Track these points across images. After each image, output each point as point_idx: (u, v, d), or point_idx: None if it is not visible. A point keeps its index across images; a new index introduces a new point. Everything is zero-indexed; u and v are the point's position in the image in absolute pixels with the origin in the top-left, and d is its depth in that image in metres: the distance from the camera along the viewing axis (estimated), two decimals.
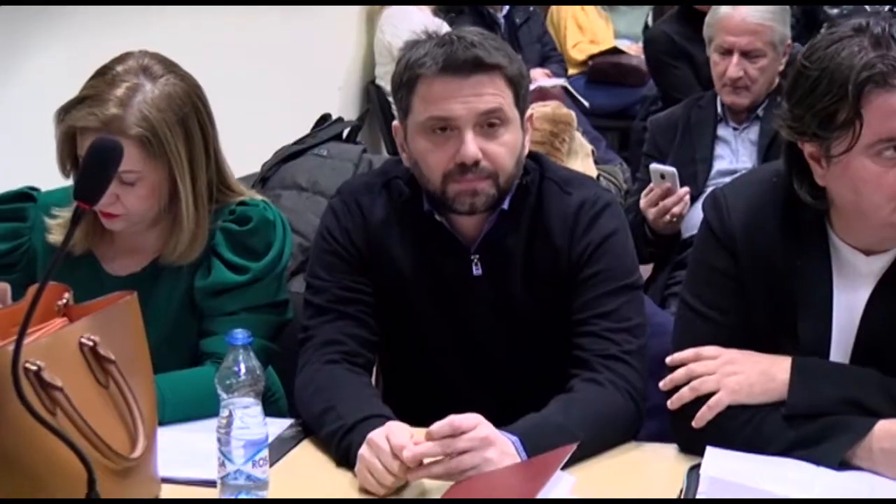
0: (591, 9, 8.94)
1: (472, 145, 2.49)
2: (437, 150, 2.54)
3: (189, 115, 2.60)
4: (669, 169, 4.02)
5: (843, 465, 2.30)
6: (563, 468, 2.18)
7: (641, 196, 4.15)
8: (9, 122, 4.40)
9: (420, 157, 2.58)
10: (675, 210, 4.00)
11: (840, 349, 2.47)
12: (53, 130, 2.70)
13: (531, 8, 8.60)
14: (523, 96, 2.62)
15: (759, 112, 4.15)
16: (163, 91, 2.57)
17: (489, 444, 2.26)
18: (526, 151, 2.64)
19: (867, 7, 8.88)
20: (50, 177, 2.76)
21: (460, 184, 2.53)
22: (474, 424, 2.27)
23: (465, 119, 2.50)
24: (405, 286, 2.63)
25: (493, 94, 2.53)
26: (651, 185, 4.06)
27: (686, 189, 4.03)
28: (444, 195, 2.55)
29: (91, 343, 2.04)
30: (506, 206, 2.59)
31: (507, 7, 8.15)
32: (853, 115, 2.30)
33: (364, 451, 2.28)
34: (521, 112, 2.61)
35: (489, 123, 2.52)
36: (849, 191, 2.38)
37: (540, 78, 7.26)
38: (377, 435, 2.28)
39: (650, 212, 4.02)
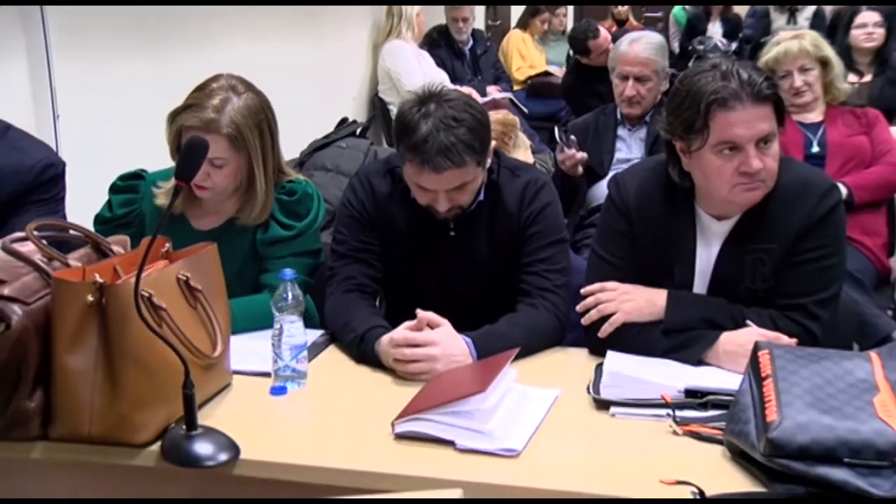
0: (530, 42, 8.86)
1: (443, 203, 2.51)
2: (421, 195, 2.55)
3: (262, 121, 2.63)
4: (573, 138, 4.08)
5: (700, 362, 2.35)
6: (525, 375, 2.21)
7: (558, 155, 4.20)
8: (127, 118, 4.39)
9: (411, 187, 2.58)
10: (578, 157, 4.09)
11: (700, 285, 2.52)
12: (151, 127, 2.74)
13: (488, 43, 8.56)
14: (487, 148, 2.57)
15: (647, 119, 4.17)
16: (245, 103, 2.59)
17: (449, 340, 2.34)
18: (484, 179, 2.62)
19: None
20: (153, 160, 2.79)
21: (438, 214, 2.56)
22: (440, 323, 2.36)
23: (441, 191, 2.51)
24: (401, 242, 2.64)
25: (461, 176, 2.49)
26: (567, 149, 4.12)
27: (583, 154, 4.11)
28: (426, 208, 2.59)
29: (184, 278, 2.10)
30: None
31: (471, 41, 8.11)
32: (703, 125, 2.36)
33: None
34: (485, 155, 2.56)
35: (458, 188, 2.53)
36: (702, 176, 2.44)
37: (493, 92, 7.26)
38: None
39: (566, 164, 4.09)
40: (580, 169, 4.14)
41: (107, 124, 4.47)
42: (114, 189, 2.78)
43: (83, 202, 2.94)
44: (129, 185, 2.76)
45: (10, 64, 4.12)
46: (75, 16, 4.39)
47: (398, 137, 2.58)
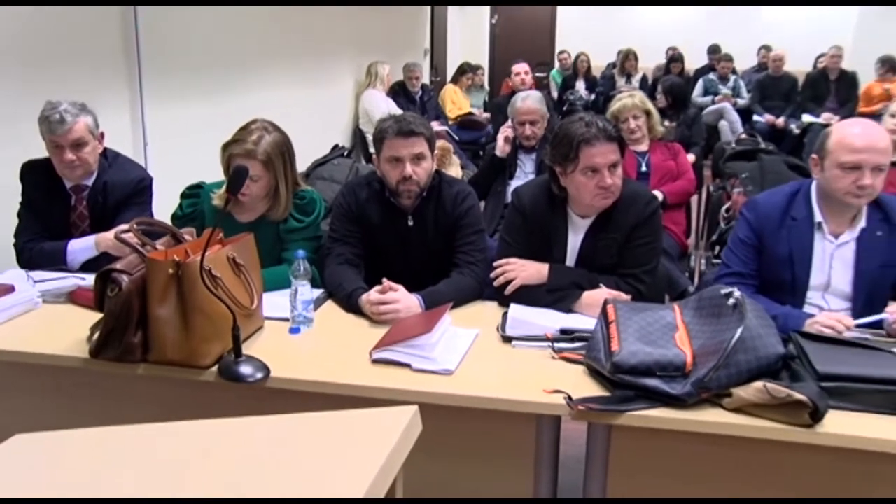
0: (459, 92, 8.77)
1: (408, 168, 2.51)
2: (393, 171, 2.53)
3: (286, 151, 2.60)
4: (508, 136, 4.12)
5: (570, 311, 2.34)
6: (457, 320, 2.20)
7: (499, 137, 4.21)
8: (193, 145, 4.36)
9: (385, 171, 2.57)
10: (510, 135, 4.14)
11: (570, 261, 2.51)
12: (209, 151, 2.75)
13: (431, 92, 8.51)
14: (433, 146, 2.60)
15: (536, 147, 4.12)
16: (274, 138, 2.57)
17: (406, 298, 2.33)
18: (433, 168, 2.62)
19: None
20: (210, 174, 2.77)
21: (404, 185, 2.54)
22: (397, 288, 2.34)
23: (407, 156, 2.51)
24: (375, 231, 2.61)
25: (420, 145, 2.52)
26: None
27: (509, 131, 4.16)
28: (396, 190, 2.56)
29: (232, 256, 2.09)
30: (424, 194, 2.58)
31: (420, 91, 8.08)
32: (574, 156, 2.37)
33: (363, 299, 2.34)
34: (433, 152, 2.59)
35: (417, 158, 2.53)
36: (573, 189, 2.44)
37: (435, 125, 7.19)
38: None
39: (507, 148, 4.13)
40: (508, 148, 4.10)
41: (179, 150, 4.45)
42: (183, 195, 2.75)
43: (165, 204, 2.92)
44: (194, 192, 2.73)
45: (117, 110, 4.14)
46: (159, 75, 4.37)
47: (377, 141, 2.58)
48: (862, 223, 2.35)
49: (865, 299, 2.32)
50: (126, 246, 2.05)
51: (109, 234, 2.59)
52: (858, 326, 2.18)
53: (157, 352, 1.97)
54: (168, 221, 2.53)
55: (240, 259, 2.11)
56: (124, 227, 2.12)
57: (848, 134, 2.29)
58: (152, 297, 1.93)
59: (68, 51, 3.79)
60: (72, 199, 2.85)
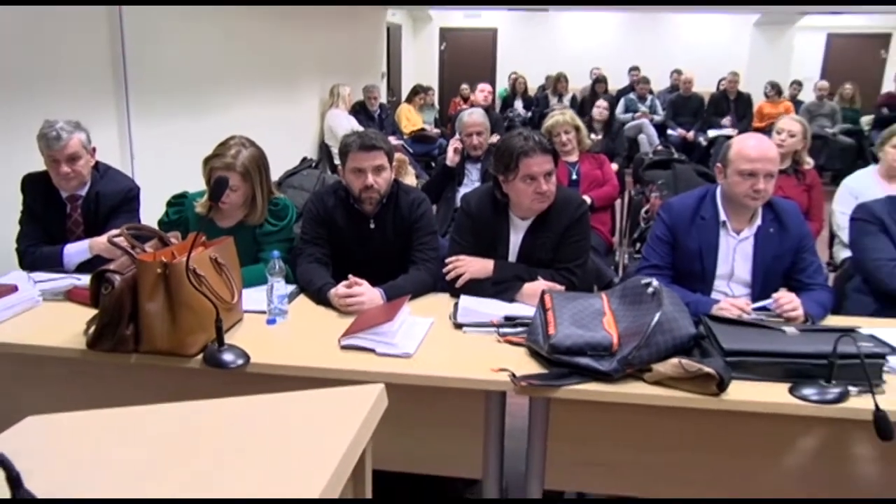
0: (413, 110, 8.75)
1: (370, 178, 2.49)
2: (357, 180, 2.52)
3: (261, 164, 2.57)
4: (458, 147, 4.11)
5: (513, 301, 2.34)
6: (415, 310, 2.20)
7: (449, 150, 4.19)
8: (177, 158, 4.29)
9: (349, 181, 2.55)
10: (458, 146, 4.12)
11: (512, 257, 2.51)
12: (192, 164, 2.70)
13: (388, 111, 8.49)
14: (392, 158, 2.58)
15: (482, 158, 4.13)
16: (251, 152, 2.53)
17: (370, 291, 2.32)
18: (392, 178, 2.60)
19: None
20: (193, 184, 2.72)
21: (366, 193, 2.51)
22: (361, 283, 2.33)
23: (369, 167, 2.49)
24: (341, 233, 2.59)
25: (380, 158, 2.51)
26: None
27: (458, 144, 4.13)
28: (359, 197, 2.54)
29: (215, 257, 2.06)
30: (384, 201, 2.56)
31: (379, 110, 8.05)
32: (515, 166, 2.38)
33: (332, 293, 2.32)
34: (391, 164, 2.57)
35: (378, 169, 2.51)
36: (514, 195, 2.45)
37: (392, 140, 7.21)
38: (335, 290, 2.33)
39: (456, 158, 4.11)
40: (457, 158, 4.09)
41: (163, 163, 4.37)
42: (169, 203, 2.70)
43: (151, 212, 2.86)
44: (178, 201, 2.68)
45: (105, 125, 4.04)
46: (144, 95, 4.29)
47: (342, 154, 2.57)
48: (758, 222, 2.42)
49: (762, 286, 2.38)
50: (118, 249, 2.02)
51: (102, 239, 2.54)
52: (754, 309, 2.25)
53: (147, 342, 1.94)
54: (156, 227, 2.47)
55: (221, 259, 2.09)
56: (116, 231, 2.09)
57: (745, 146, 2.36)
58: (143, 294, 1.90)
59: (61, 73, 3.70)
60: (67, 208, 2.80)
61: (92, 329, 1.98)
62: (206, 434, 0.94)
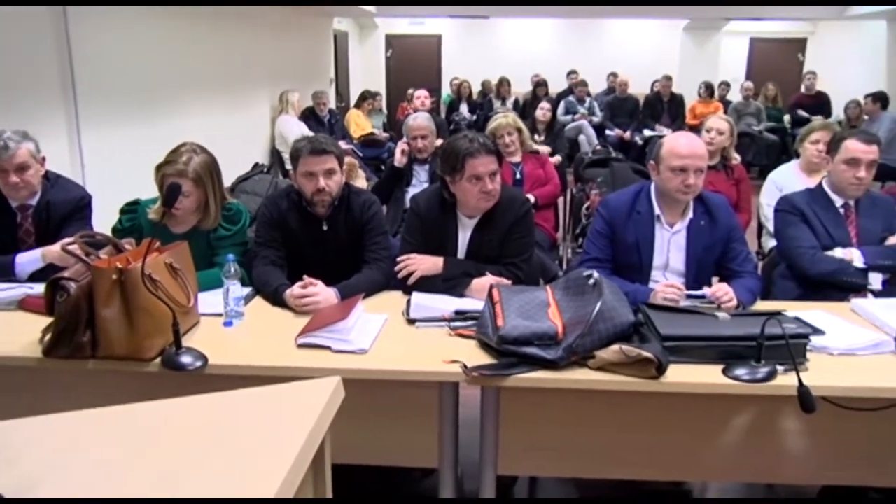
0: (362, 115, 8.69)
1: (321, 182, 2.48)
2: (309, 184, 2.50)
3: (213, 169, 2.53)
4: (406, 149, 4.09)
5: (463, 296, 2.36)
6: (368, 308, 2.20)
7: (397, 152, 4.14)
8: (128, 166, 4.20)
9: (301, 185, 2.52)
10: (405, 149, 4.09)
11: (461, 254, 2.52)
12: (144, 171, 2.64)
13: (338, 116, 8.43)
14: (342, 162, 2.57)
15: (429, 159, 4.11)
16: (203, 159, 2.49)
17: (324, 291, 2.31)
18: (343, 181, 2.59)
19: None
20: (145, 191, 2.67)
21: (318, 196, 2.50)
22: (318, 282, 2.32)
23: (320, 171, 2.48)
24: (295, 236, 2.57)
25: (330, 162, 2.50)
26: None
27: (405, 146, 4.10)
28: (312, 200, 2.52)
29: (170, 262, 2.03)
30: (336, 203, 2.55)
31: (328, 115, 7.99)
32: (461, 167, 2.40)
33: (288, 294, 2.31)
34: (342, 167, 2.56)
35: (329, 172, 2.50)
36: (461, 194, 2.46)
37: (342, 144, 7.17)
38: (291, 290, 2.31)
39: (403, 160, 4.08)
40: (404, 160, 4.07)
41: (115, 170, 4.27)
42: (122, 211, 2.64)
43: (104, 220, 2.80)
44: (131, 208, 2.63)
45: (54, 133, 3.94)
46: (95, 100, 4.18)
47: (293, 159, 2.54)
48: (690, 215, 2.49)
49: (695, 275, 2.45)
50: (71, 256, 1.97)
51: (55, 247, 2.47)
52: (688, 296, 2.32)
53: (105, 348, 1.90)
54: (109, 234, 2.42)
55: (176, 264, 2.06)
56: (69, 239, 2.04)
57: (676, 144, 2.43)
58: (98, 300, 1.86)
59: (7, 83, 3.58)
60: (18, 217, 2.71)
61: (48, 337, 1.93)
62: (163, 433, 0.93)
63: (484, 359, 1.93)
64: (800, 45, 12.37)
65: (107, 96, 4.36)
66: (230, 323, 2.18)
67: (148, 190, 2.62)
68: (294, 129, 6.88)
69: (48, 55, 3.90)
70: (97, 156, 4.19)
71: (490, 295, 2.12)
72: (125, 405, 1.04)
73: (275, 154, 7.26)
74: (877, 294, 2.53)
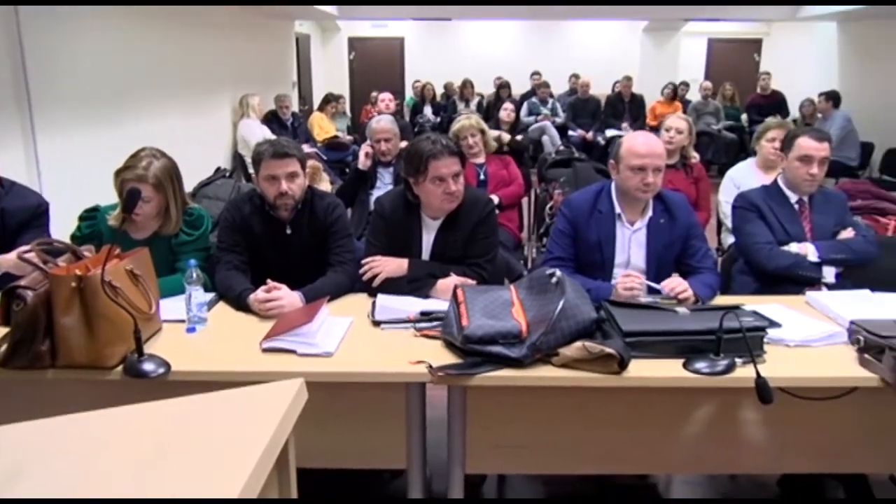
0: (325, 118, 8.65)
1: (284, 185, 2.47)
2: (271, 187, 2.48)
3: (174, 174, 2.50)
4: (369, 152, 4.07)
5: (428, 297, 2.36)
6: (334, 310, 2.18)
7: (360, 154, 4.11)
8: (85, 172, 4.12)
9: (264, 189, 2.51)
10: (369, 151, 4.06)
11: (425, 255, 2.52)
12: (102, 177, 2.60)
13: (301, 119, 8.38)
14: (304, 165, 2.55)
15: (394, 162, 4.08)
16: (163, 163, 2.46)
17: (289, 294, 2.30)
18: (306, 184, 2.58)
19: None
20: (104, 198, 2.63)
21: (281, 200, 2.48)
22: (282, 286, 2.31)
23: (282, 175, 2.46)
24: (258, 240, 2.55)
25: (293, 165, 2.48)
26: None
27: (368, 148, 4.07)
28: (274, 204, 2.51)
29: (130, 268, 2.00)
30: (299, 207, 2.54)
31: (291, 118, 7.94)
32: (424, 168, 2.41)
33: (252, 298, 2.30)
34: (304, 170, 2.55)
35: (291, 176, 2.49)
36: (425, 196, 2.47)
37: (306, 148, 7.09)
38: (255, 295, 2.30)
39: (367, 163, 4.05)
40: (368, 162, 4.05)
41: (72, 177, 4.18)
42: (81, 218, 2.59)
43: (62, 228, 2.74)
44: (90, 215, 2.58)
45: (9, 139, 3.84)
46: (50, 106, 4.09)
47: (255, 163, 2.53)
48: (650, 213, 2.53)
49: (656, 272, 2.49)
50: (28, 265, 1.94)
51: (11, 255, 2.41)
52: (648, 289, 2.36)
53: (64, 357, 1.86)
54: (68, 241, 2.37)
55: (137, 270, 2.03)
56: (26, 247, 1.99)
57: (634, 144, 2.47)
58: (57, 309, 1.82)
59: None
60: None
61: (4, 347, 1.89)
62: (124, 439, 0.93)
63: (449, 359, 1.94)
64: (756, 45, 12.64)
65: (63, 100, 4.27)
66: (193, 329, 2.16)
67: (107, 196, 2.58)
68: (256, 132, 6.82)
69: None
70: (54, 162, 4.10)
71: (455, 295, 2.14)
72: (86, 412, 1.03)
73: (237, 158, 7.19)
74: (831, 287, 2.61)
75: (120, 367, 1.90)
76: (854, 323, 2.02)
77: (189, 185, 2.98)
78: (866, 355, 1.91)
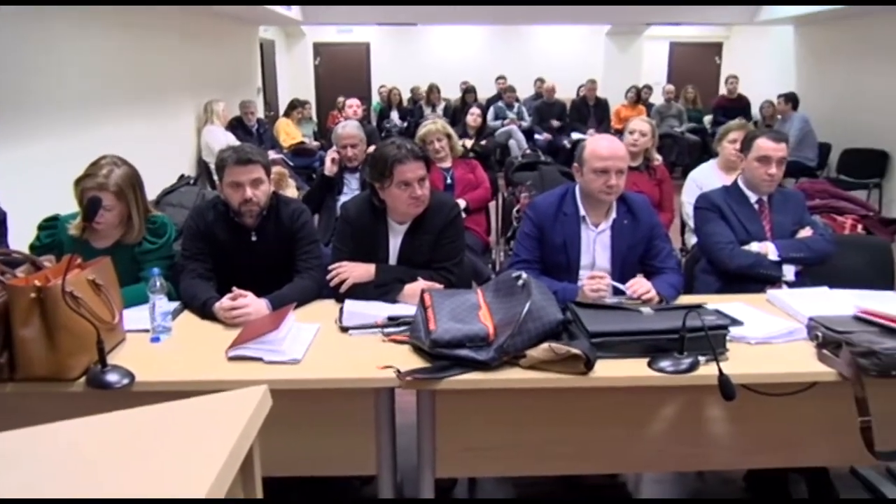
0: (291, 124, 8.61)
1: (248, 192, 2.45)
2: (235, 194, 2.46)
3: (135, 182, 2.46)
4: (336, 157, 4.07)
5: (395, 301, 2.37)
6: (301, 317, 2.17)
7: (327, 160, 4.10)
8: (45, 180, 4.03)
9: (228, 195, 2.48)
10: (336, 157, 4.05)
11: (392, 260, 2.53)
12: (61, 186, 2.56)
13: (266, 125, 8.32)
14: (269, 171, 2.54)
15: (360, 168, 4.05)
16: (124, 171, 2.43)
17: (255, 302, 2.29)
18: (271, 191, 2.56)
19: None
20: (64, 206, 2.58)
21: (245, 206, 2.47)
22: (246, 294, 2.29)
23: (247, 181, 2.45)
24: (223, 247, 2.53)
25: (257, 171, 2.46)
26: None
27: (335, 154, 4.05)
28: (239, 210, 2.49)
29: (92, 278, 1.97)
30: (265, 213, 2.52)
31: (257, 125, 7.89)
32: (390, 173, 2.41)
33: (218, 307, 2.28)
34: (269, 176, 2.54)
35: (255, 182, 2.47)
36: (391, 200, 2.47)
37: (272, 154, 7.06)
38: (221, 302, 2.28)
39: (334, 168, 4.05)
40: (335, 168, 4.04)
41: (31, 185, 4.08)
42: (40, 227, 2.55)
43: (20, 238, 2.69)
44: (50, 224, 2.54)
45: None
46: (6, 111, 4.01)
47: (219, 169, 2.51)
48: (613, 215, 2.57)
49: (620, 273, 2.53)
50: None
51: None
52: (614, 289, 2.39)
53: (24, 369, 1.82)
54: (27, 251, 2.33)
55: (99, 280, 1.99)
56: None
57: (597, 147, 2.51)
58: (16, 320, 1.78)
59: None
60: None
61: None
62: (86, 448, 0.92)
63: (418, 363, 1.95)
64: (716, 48, 12.88)
65: (19, 107, 4.18)
66: (157, 339, 2.13)
67: (67, 205, 2.53)
68: (220, 139, 6.75)
69: None
70: (11, 170, 4.01)
71: (422, 300, 2.14)
72: (47, 424, 1.01)
73: (202, 165, 7.11)
74: (791, 285, 2.67)
75: (83, 379, 1.86)
76: (813, 319, 2.07)
77: (152, 193, 2.95)
78: (824, 351, 1.96)
